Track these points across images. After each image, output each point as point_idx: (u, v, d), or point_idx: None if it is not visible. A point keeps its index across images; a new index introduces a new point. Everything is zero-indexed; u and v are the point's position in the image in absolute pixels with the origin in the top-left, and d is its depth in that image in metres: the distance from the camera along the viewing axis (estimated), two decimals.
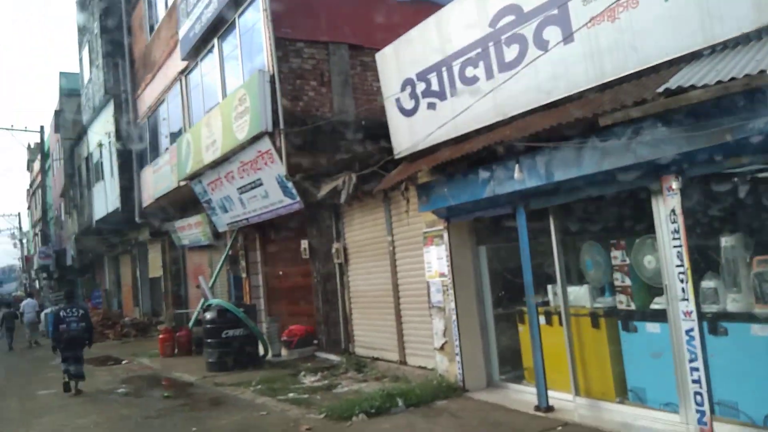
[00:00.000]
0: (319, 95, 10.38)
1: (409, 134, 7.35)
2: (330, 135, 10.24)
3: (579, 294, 6.15)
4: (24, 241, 55.99)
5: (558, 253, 6.14)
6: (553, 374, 6.11)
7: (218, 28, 11.70)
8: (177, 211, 16.94)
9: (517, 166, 5.36)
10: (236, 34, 11.29)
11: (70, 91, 25.63)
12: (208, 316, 10.91)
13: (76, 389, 9.86)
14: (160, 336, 13.42)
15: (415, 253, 8.25)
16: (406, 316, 8.62)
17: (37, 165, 41.27)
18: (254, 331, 10.82)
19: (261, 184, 11.08)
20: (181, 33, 13.46)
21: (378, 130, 10.56)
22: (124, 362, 13.40)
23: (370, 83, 10.98)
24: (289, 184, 10.16)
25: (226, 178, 12.24)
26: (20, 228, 56.48)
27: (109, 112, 18.84)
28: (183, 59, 13.65)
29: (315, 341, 11.37)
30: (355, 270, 10.00)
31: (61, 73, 26.80)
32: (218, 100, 12.27)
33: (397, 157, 7.72)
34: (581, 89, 5.33)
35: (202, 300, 14.47)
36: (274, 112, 9.91)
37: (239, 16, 11.13)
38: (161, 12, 16.05)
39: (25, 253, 55.05)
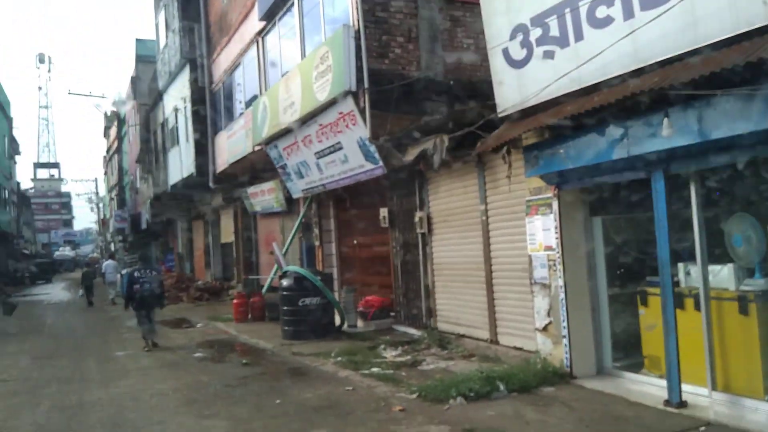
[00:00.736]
0: (406, 52, 9.66)
1: (517, 88, 6.55)
2: (417, 95, 9.54)
3: (722, 275, 5.27)
4: (101, 205, 58.52)
5: (698, 227, 5.26)
6: (684, 365, 5.28)
7: None
8: (250, 176, 16.78)
9: (666, 119, 4.50)
10: None
11: (146, 58, 25.96)
12: (285, 283, 10.57)
13: (153, 344, 10.42)
14: (234, 301, 13.30)
15: (513, 223, 7.50)
16: (500, 292, 7.92)
17: (113, 131, 42.68)
18: (331, 300, 10.41)
19: (340, 149, 10.54)
20: None
21: (469, 91, 9.85)
22: (198, 326, 13.38)
23: (461, 40, 10.18)
24: (372, 148, 9.57)
25: (303, 142, 11.78)
26: (97, 193, 59.06)
27: (184, 77, 18.79)
28: (260, 19, 13.20)
29: (392, 313, 10.88)
30: (439, 240, 9.35)
31: (137, 40, 27.19)
32: (297, 61, 11.76)
33: (501, 115, 6.94)
34: (747, 29, 4.38)
35: (275, 266, 14.28)
36: (358, 70, 9.27)
37: None
38: None
39: (101, 216, 57.55)
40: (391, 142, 9.31)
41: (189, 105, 18.54)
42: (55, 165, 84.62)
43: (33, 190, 68.65)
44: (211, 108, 18.07)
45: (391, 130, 9.32)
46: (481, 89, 9.71)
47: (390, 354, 8.65)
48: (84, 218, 78.99)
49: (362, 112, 9.36)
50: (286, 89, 11.63)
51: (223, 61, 17.00)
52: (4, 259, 37.41)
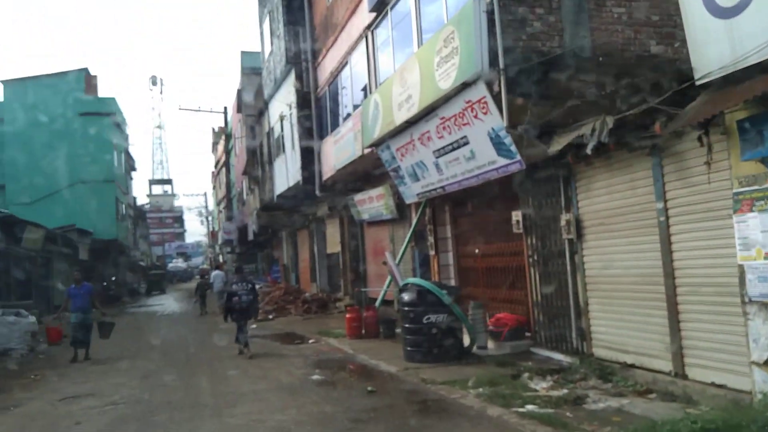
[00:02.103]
0: (546, 26, 8.21)
1: (727, 45, 4.95)
2: (560, 76, 8.06)
3: None
4: (210, 218, 61.03)
5: None
6: None
7: None
8: (357, 183, 15.94)
9: None
10: None
11: (252, 70, 26.12)
12: (406, 297, 9.39)
13: (247, 351, 10.91)
14: (347, 315, 12.34)
15: (710, 224, 5.85)
16: (689, 312, 6.25)
17: (221, 146, 44.08)
18: (460, 317, 9.10)
19: (466, 144, 9.25)
20: None
21: (621, 69, 8.26)
22: (310, 341, 12.54)
23: (610, 9, 8.58)
24: (507, 140, 8.19)
25: (420, 140, 10.61)
26: (206, 207, 61.70)
27: (289, 83, 18.37)
28: (371, 11, 12.26)
29: (527, 334, 9.40)
30: (594, 247, 7.78)
31: (242, 52, 27.48)
32: (413, 50, 10.65)
33: (699, 82, 5.34)
34: None
35: (388, 278, 13.22)
36: (491, 49, 7.96)
37: None
38: None
39: (211, 229, 59.95)
40: (531, 132, 7.90)
41: (294, 111, 18.06)
42: (168, 181, 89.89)
43: (149, 206, 73.03)
44: (316, 113, 17.45)
45: (531, 118, 7.91)
46: (634, 67, 8.18)
47: (540, 386, 7.19)
48: (195, 231, 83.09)
49: (496, 97, 8.02)
50: (401, 82, 10.53)
51: (328, 63, 16.32)
52: (123, 270, 39.44)
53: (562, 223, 8.16)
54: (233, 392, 7.86)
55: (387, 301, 13.96)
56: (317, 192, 17.56)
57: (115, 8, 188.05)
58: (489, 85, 8.05)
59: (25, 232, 18.85)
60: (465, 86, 8.44)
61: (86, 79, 31.92)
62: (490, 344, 9.52)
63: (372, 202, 15.16)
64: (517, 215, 9.32)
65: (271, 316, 18.41)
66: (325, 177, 17.04)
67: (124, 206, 35.99)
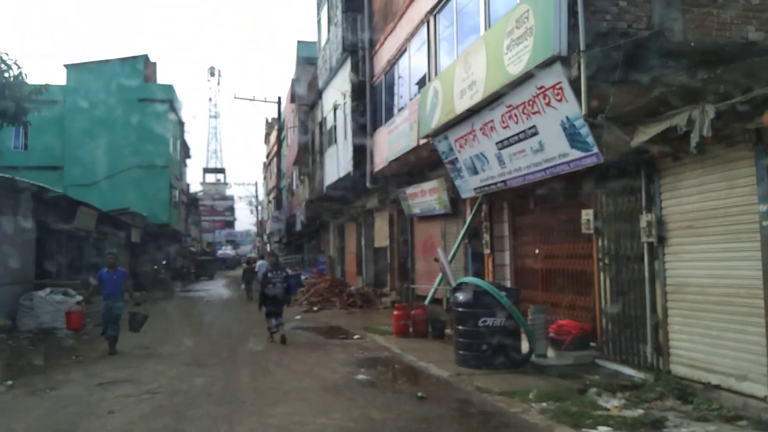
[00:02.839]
0: (633, 5, 7.40)
1: None
2: (647, 60, 7.24)
3: None
4: (259, 208, 61.66)
5: None
6: None
7: None
8: (410, 176, 15.35)
9: None
10: None
11: (307, 60, 25.90)
12: (461, 297, 8.74)
13: (281, 338, 11.22)
14: (395, 312, 11.77)
15: None
16: None
17: (273, 137, 44.28)
18: (520, 322, 8.38)
19: (535, 134, 8.52)
20: None
21: (715, 55, 7.37)
22: (355, 337, 12.03)
23: None
24: (584, 130, 7.42)
25: (482, 130, 9.93)
26: (256, 196, 62.34)
27: (345, 71, 17.93)
28: None
29: (592, 344, 8.61)
30: (679, 252, 6.95)
31: (298, 42, 27.27)
32: (479, 34, 9.96)
33: None
34: None
35: (439, 276, 12.58)
36: (571, 29, 7.20)
37: None
38: None
39: (260, 219, 60.57)
40: (612, 121, 7.10)
41: (348, 101, 17.62)
42: (221, 170, 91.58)
43: (201, 193, 74.51)
44: (371, 103, 16.96)
45: (613, 106, 7.12)
46: (730, 54, 7.27)
47: (611, 404, 6.44)
48: (244, 220, 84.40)
49: (574, 83, 7.26)
50: (464, 68, 9.87)
51: (386, 51, 15.77)
52: (174, 255, 40.13)
53: (642, 224, 7.34)
54: (275, 388, 7.41)
55: (436, 300, 13.35)
56: (368, 184, 17.08)
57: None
58: (567, 69, 7.30)
59: (77, 212, 19.08)
60: (538, 70, 7.72)
61: (146, 66, 32.43)
62: (551, 353, 8.76)
63: (424, 196, 14.55)
64: (587, 214, 8.53)
65: (315, 308, 18.06)
66: (376, 169, 16.55)
67: (177, 192, 36.52)
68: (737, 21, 7.82)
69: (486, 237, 12.12)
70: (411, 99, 13.82)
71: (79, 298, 13.29)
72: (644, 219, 7.30)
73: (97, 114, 29.33)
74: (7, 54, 18.77)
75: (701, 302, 6.58)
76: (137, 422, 5.93)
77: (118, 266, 11.24)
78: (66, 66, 30.38)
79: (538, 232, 10.65)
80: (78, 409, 6.52)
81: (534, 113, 8.28)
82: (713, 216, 6.39)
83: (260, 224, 59.17)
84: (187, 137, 43.06)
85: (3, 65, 18.09)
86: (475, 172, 10.95)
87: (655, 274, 7.26)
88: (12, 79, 18.37)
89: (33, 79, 19.81)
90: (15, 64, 18.42)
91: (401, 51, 14.51)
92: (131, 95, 30.38)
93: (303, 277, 23.85)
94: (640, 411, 6.13)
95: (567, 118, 7.60)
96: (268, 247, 48.31)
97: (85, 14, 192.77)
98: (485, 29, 9.77)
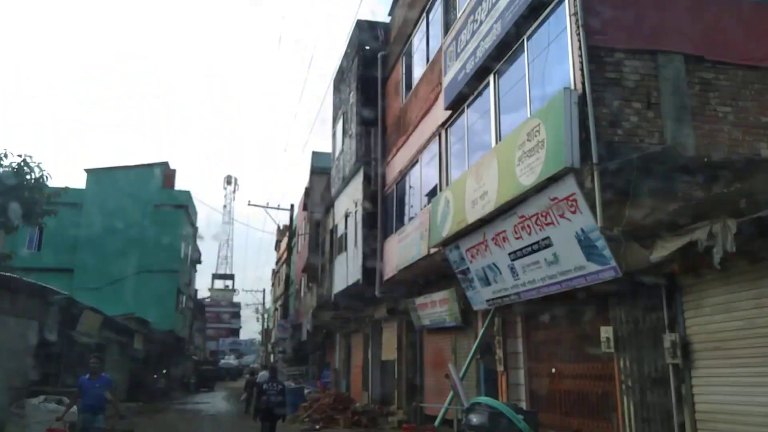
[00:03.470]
0: (644, 121, 7.48)
1: None
2: (661, 175, 7.20)
3: None
4: (266, 316, 60.80)
5: None
6: None
7: (500, 56, 9.68)
8: (420, 285, 15.04)
9: None
10: (523, 59, 9.10)
11: (321, 169, 26.60)
12: (475, 419, 8.10)
13: None
14: None
15: None
16: None
17: (283, 244, 44.55)
18: None
19: (548, 246, 8.31)
20: (446, 80, 11.88)
21: (728, 171, 7.33)
22: None
23: (714, 108, 7.80)
24: (600, 242, 7.21)
25: (494, 240, 9.77)
26: (263, 304, 61.72)
27: (358, 181, 18.26)
28: (446, 108, 11.97)
29: None
30: (707, 376, 6.46)
31: (313, 152, 28.16)
32: (490, 146, 10.10)
33: None
34: None
35: (450, 394, 11.85)
36: (583, 142, 7.23)
37: (528, 37, 8.97)
38: (419, 70, 15.01)
39: (265, 327, 59.52)
40: (629, 234, 6.91)
41: (360, 208, 17.77)
42: (231, 276, 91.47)
43: (209, 299, 73.90)
44: (382, 211, 17.06)
45: (628, 219, 6.96)
46: (744, 170, 7.23)
47: None
48: (250, 329, 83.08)
49: (588, 194, 7.17)
50: (476, 179, 9.91)
51: (398, 162, 16.10)
52: (175, 363, 38.96)
53: (666, 344, 6.90)
54: None
55: (446, 420, 12.49)
56: (377, 293, 16.73)
57: (197, 108, 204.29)
58: (580, 181, 7.24)
59: (82, 316, 18.74)
60: (551, 182, 7.67)
61: (165, 173, 33.47)
62: None
63: (434, 307, 14.12)
64: (606, 331, 8.09)
65: (317, 426, 17.01)
66: (386, 277, 16.28)
67: (184, 298, 36.20)
68: (749, 138, 7.86)
69: (499, 353, 11.55)
70: (422, 209, 13.86)
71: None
72: (668, 339, 6.88)
73: (113, 218, 29.83)
74: (30, 156, 19.55)
75: None
76: None
77: (103, 372, 9.86)
78: (86, 170, 31.38)
79: (555, 350, 10.11)
80: None
81: (548, 224, 8.13)
82: (742, 337, 5.99)
83: (265, 333, 58.03)
84: (199, 242, 43.48)
85: (26, 167, 18.74)
86: (488, 283, 10.65)
87: (682, 399, 6.72)
88: (33, 181, 18.95)
89: (53, 181, 20.33)
90: (38, 166, 19.10)
91: (413, 162, 14.78)
92: (148, 201, 31.08)
93: (306, 391, 22.77)
94: None
95: (582, 230, 7.43)
96: (272, 358, 46.93)
97: (108, 120, 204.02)
98: (496, 142, 9.91)
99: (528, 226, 8.61)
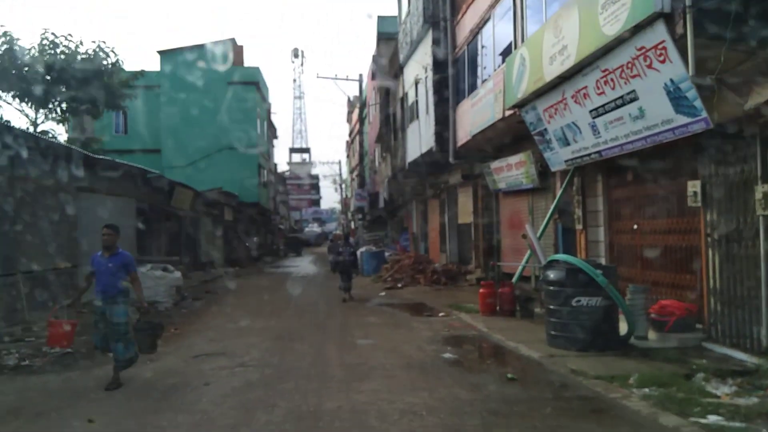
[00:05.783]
0: None
1: None
2: (759, 16, 6.45)
3: None
4: (343, 186, 62.65)
5: None
6: None
7: None
8: (494, 149, 14.86)
9: None
10: None
11: (387, 35, 25.69)
12: (553, 275, 8.34)
13: (350, 298, 14.89)
14: (481, 290, 11.50)
15: None
16: None
17: (355, 115, 44.57)
18: (618, 302, 7.89)
19: (634, 100, 7.88)
20: None
21: None
22: (441, 315, 11.91)
23: None
24: (691, 93, 6.76)
25: (573, 98, 9.35)
26: (340, 175, 63.33)
27: (426, 44, 17.55)
28: None
29: (698, 326, 7.97)
30: None
31: (379, 17, 27.07)
32: None
33: None
34: None
35: (527, 252, 12.15)
36: None
37: None
38: None
39: (344, 196, 61.58)
40: (723, 82, 6.41)
41: (430, 74, 17.26)
42: (307, 150, 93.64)
43: (288, 173, 76.63)
44: (453, 75, 16.50)
45: (723, 66, 6.42)
46: None
47: (721, 391, 5.90)
48: (329, 198, 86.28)
49: (679, 41, 6.61)
50: (554, 32, 9.29)
51: (468, 20, 15.24)
52: (263, 233, 41.65)
53: (758, 196, 6.63)
54: (361, 364, 7.43)
55: (524, 277, 12.92)
56: (451, 159, 16.73)
57: None
58: (670, 26, 6.65)
59: (174, 192, 20.09)
60: (637, 30, 7.09)
61: (233, 49, 33.43)
62: (652, 335, 8.22)
63: (510, 170, 14.04)
64: (694, 186, 7.83)
65: (400, 285, 18.09)
66: (459, 143, 16.16)
67: (265, 172, 37.71)
68: None
69: (578, 212, 11.53)
70: (495, 69, 13.30)
71: (178, 274, 14.15)
72: (759, 190, 6.60)
73: (190, 98, 30.66)
74: (104, 42, 19.98)
75: None
76: (231, 394, 6.11)
77: (120, 249, 7.10)
78: (159, 52, 31.88)
79: (637, 207, 9.96)
80: (178, 380, 6.83)
81: (633, 77, 7.65)
82: None
83: (344, 202, 60.15)
84: (274, 118, 44.24)
85: (102, 53, 19.27)
86: (567, 143, 10.38)
87: None
88: (110, 66, 19.55)
89: (127, 67, 20.88)
90: (112, 51, 19.58)
91: (484, 19, 13.96)
92: (221, 78, 31.47)
93: (387, 254, 23.94)
94: (755, 399, 5.58)
95: (671, 80, 6.96)
96: (352, 224, 49.05)
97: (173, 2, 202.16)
98: None
99: (611, 80, 8.14)
